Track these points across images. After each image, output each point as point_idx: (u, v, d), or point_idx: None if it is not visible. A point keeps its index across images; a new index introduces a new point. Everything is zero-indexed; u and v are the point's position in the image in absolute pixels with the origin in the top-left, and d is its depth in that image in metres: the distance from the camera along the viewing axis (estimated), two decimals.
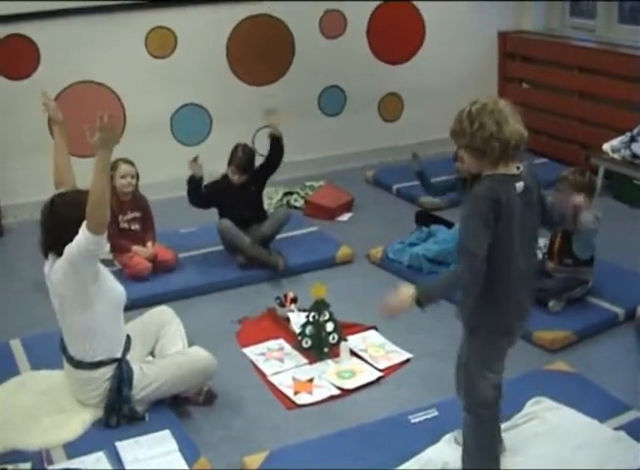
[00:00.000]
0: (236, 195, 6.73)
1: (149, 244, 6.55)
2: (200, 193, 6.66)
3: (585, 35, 9.49)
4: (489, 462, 3.94)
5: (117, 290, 4.58)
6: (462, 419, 3.98)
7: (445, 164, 8.44)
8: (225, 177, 6.79)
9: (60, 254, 4.35)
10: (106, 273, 4.54)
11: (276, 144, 6.90)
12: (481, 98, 3.58)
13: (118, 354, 4.53)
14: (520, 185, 3.55)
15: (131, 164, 6.48)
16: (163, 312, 5.12)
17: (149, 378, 4.59)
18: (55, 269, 4.39)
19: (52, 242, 4.42)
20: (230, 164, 6.69)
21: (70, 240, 4.27)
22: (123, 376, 4.48)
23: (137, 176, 6.52)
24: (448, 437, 4.35)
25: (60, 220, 4.38)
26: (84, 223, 4.17)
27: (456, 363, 3.96)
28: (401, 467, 4.16)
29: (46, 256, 4.51)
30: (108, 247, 6.01)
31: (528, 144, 3.58)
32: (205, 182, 6.74)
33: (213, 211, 6.83)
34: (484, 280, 3.54)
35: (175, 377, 4.67)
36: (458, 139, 3.59)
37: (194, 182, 6.60)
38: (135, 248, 6.44)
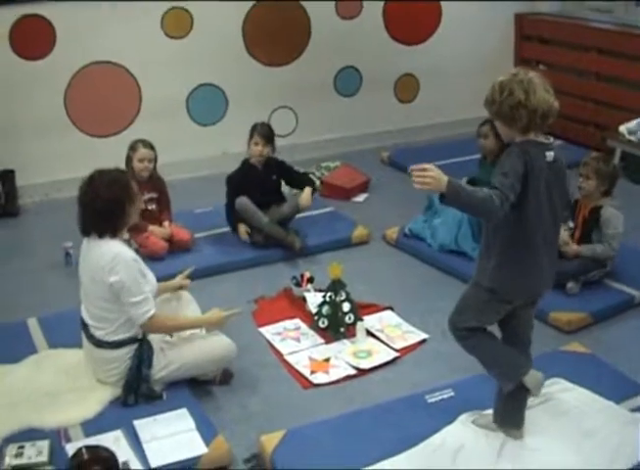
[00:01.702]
0: (257, 178, 6.75)
1: (165, 224, 6.58)
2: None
3: (602, 17, 9.44)
4: (506, 362, 4.06)
5: (149, 284, 4.58)
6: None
7: (460, 146, 8.48)
8: (245, 162, 6.81)
9: (99, 234, 4.42)
10: (143, 269, 4.55)
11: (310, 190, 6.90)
12: (514, 69, 3.74)
13: (140, 335, 4.55)
14: (550, 154, 3.71)
15: (150, 146, 6.47)
16: (179, 295, 5.14)
17: (168, 359, 4.61)
18: (93, 265, 4.46)
19: (89, 220, 4.45)
20: (252, 137, 6.69)
21: (109, 219, 4.40)
22: (143, 355, 4.50)
23: (155, 159, 6.53)
24: (464, 417, 4.37)
25: (97, 199, 4.39)
26: (148, 315, 4.42)
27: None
28: (417, 447, 4.17)
29: (85, 233, 4.53)
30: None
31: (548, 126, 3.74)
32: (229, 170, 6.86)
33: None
34: (513, 243, 3.74)
35: (195, 361, 4.69)
36: (489, 107, 3.73)
37: None
38: (152, 228, 6.46)
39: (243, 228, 6.67)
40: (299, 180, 6.99)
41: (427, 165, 3.46)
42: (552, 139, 3.78)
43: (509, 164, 3.62)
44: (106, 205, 4.38)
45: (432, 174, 3.43)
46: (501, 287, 3.84)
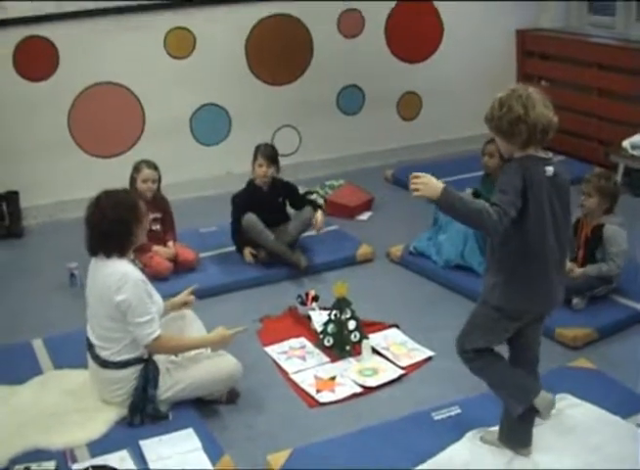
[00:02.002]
0: (263, 199, 6.74)
1: (170, 243, 6.59)
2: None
3: (604, 32, 9.45)
4: (514, 384, 4.03)
5: (155, 305, 4.60)
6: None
7: (464, 163, 8.47)
8: (251, 183, 6.81)
9: (107, 254, 4.44)
10: (150, 290, 4.57)
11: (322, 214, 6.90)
12: (513, 85, 3.74)
13: (145, 355, 4.55)
14: (549, 169, 3.70)
15: (154, 167, 6.49)
16: (184, 315, 5.14)
17: (174, 379, 4.60)
18: (100, 284, 4.48)
19: (97, 241, 4.48)
20: (256, 158, 6.68)
21: (115, 239, 4.43)
22: (149, 376, 4.50)
23: (159, 179, 6.54)
24: (471, 434, 4.35)
25: (104, 220, 4.42)
26: (153, 336, 4.45)
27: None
28: (424, 465, 4.15)
29: (92, 253, 4.56)
30: None
31: (548, 142, 3.74)
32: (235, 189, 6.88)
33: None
34: (519, 259, 3.73)
35: (200, 381, 4.67)
36: (489, 123, 3.74)
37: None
38: (156, 248, 6.46)
39: (248, 251, 6.67)
40: (304, 203, 6.97)
41: (419, 174, 3.52)
42: (551, 154, 3.77)
43: (507, 181, 3.63)
44: (112, 225, 4.40)
45: (422, 181, 3.50)
46: (509, 304, 3.82)
